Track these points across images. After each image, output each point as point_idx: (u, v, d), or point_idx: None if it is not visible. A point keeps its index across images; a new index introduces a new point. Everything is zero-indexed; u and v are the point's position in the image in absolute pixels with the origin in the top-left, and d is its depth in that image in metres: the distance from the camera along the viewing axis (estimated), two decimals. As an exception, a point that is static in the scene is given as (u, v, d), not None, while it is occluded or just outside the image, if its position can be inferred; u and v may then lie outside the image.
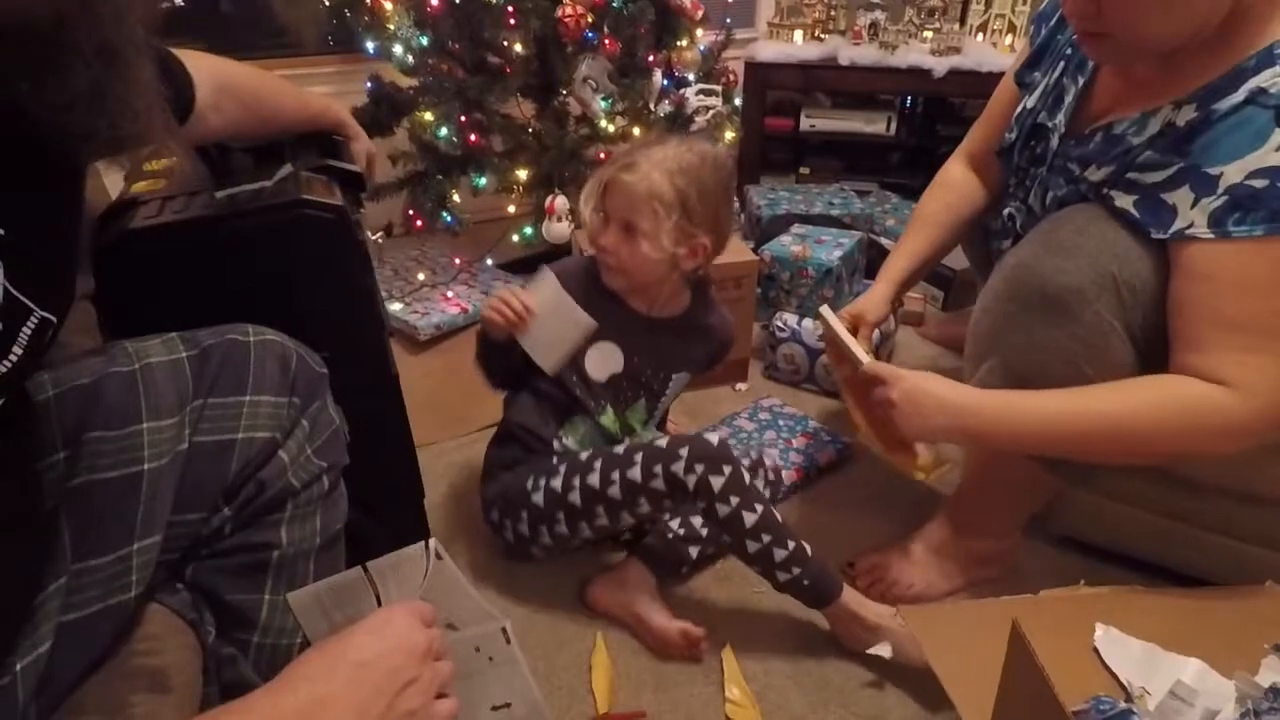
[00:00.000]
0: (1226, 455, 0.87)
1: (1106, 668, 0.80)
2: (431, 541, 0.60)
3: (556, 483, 1.06)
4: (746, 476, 1.00)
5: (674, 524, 1.12)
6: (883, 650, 0.98)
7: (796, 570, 0.99)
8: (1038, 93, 1.11)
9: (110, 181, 1.08)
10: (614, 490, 1.02)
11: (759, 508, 0.99)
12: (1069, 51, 1.07)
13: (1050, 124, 1.07)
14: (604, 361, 1.11)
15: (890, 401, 0.96)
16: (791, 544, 1.00)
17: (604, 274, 1.11)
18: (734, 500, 0.98)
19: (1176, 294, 0.87)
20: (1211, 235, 0.83)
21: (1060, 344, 0.91)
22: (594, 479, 1.03)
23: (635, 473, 1.01)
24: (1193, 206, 0.84)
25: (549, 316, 1.07)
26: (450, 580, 0.63)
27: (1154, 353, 0.92)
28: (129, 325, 0.72)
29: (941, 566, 1.13)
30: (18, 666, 0.49)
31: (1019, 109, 1.15)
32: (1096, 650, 0.82)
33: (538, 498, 1.08)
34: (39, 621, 0.51)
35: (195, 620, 0.61)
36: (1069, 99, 1.05)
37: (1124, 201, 0.89)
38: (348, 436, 1.00)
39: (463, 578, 0.64)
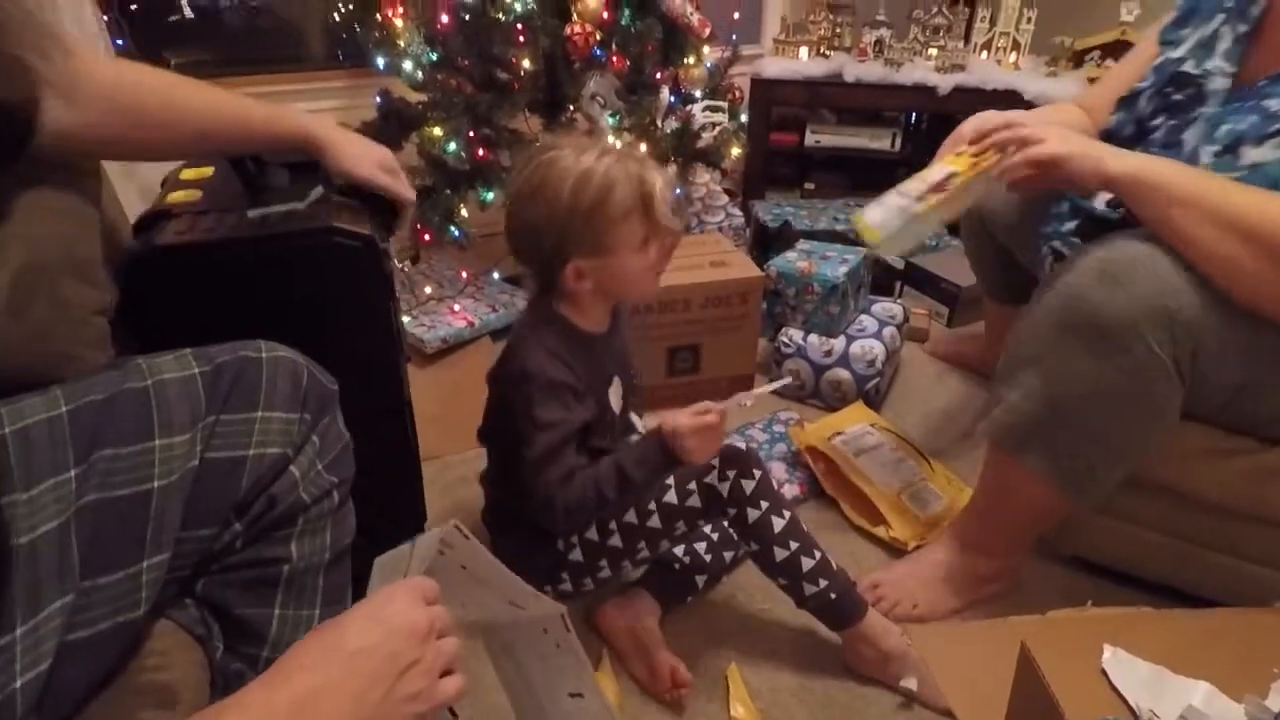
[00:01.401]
0: None
1: (1115, 690, 0.79)
2: (454, 522, 0.59)
3: (591, 533, 1.04)
4: (774, 483, 1.01)
5: (679, 551, 1.11)
6: (912, 682, 0.98)
7: (824, 583, 0.99)
8: (1186, 45, 1.07)
9: (125, 192, 1.09)
10: (654, 520, 1.01)
11: (786, 514, 1.00)
12: (1229, 4, 1.03)
13: (1198, 71, 1.03)
14: (616, 390, 1.07)
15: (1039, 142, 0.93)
16: (818, 554, 1.00)
17: (607, 308, 1.05)
18: (764, 504, 0.99)
19: None
20: None
21: (1106, 376, 0.90)
22: (631, 516, 1.02)
23: (671, 496, 1.01)
24: None
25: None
26: (487, 562, 0.62)
27: (1197, 389, 0.92)
28: (147, 340, 0.73)
29: (946, 585, 1.13)
30: (17, 684, 0.49)
31: (1159, 59, 1.11)
32: (1105, 672, 0.81)
33: (576, 555, 1.04)
34: (42, 639, 0.51)
35: (203, 635, 0.61)
36: (1226, 44, 1.01)
37: None
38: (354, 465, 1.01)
39: (495, 560, 0.63)
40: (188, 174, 1.09)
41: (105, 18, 1.81)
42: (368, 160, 0.99)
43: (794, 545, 0.99)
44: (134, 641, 0.57)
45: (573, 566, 1.05)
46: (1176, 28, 1.13)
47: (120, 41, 1.88)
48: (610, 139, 1.68)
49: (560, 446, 0.97)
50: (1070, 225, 1.17)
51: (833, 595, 0.99)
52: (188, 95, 0.83)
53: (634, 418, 1.15)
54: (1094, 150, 0.94)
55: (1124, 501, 1.03)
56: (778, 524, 0.99)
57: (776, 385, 1.03)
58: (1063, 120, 1.19)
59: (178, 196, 1.00)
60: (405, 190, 1.03)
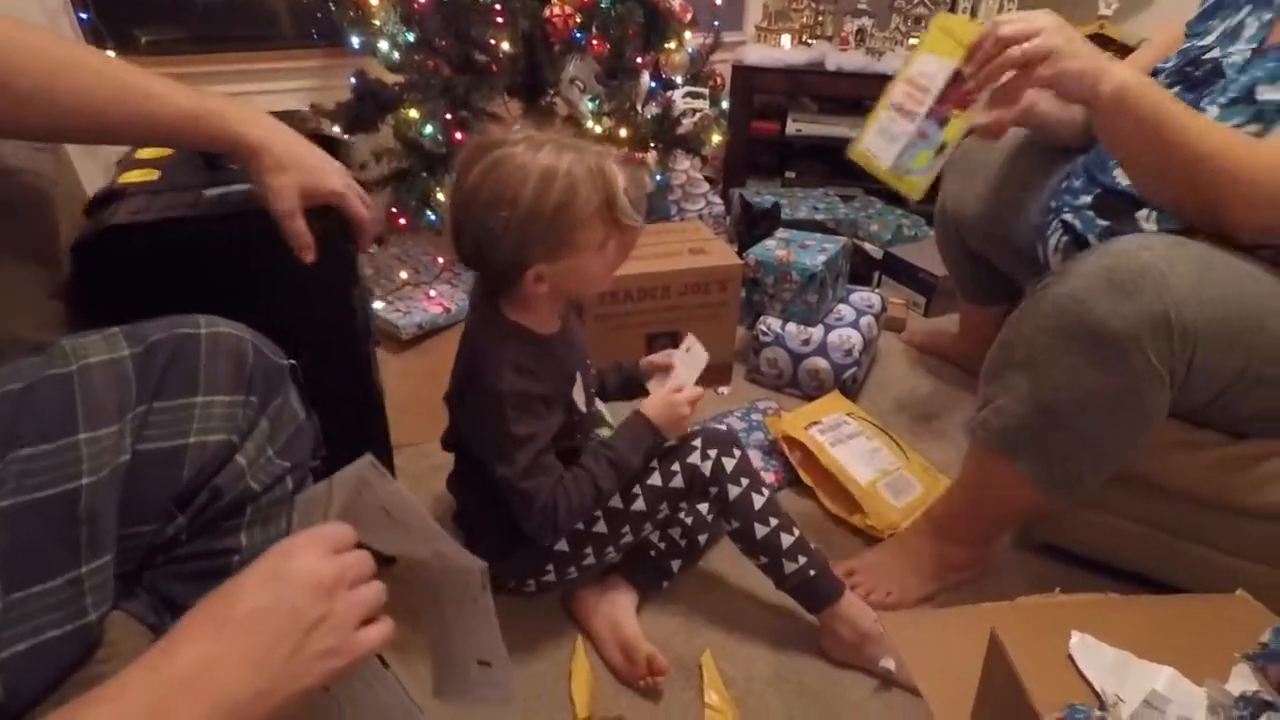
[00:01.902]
0: (1258, 220, 0.88)
1: (1082, 676, 0.81)
2: (369, 457, 0.56)
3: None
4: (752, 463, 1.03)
5: (654, 537, 1.11)
6: (890, 663, 0.99)
7: (803, 559, 1.00)
8: (1213, 35, 1.08)
9: (85, 170, 1.06)
10: (638, 504, 1.01)
11: (766, 492, 1.01)
12: None
13: (1220, 52, 1.04)
14: (581, 391, 1.03)
15: (1041, 32, 0.85)
16: (796, 531, 1.01)
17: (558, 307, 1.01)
18: (744, 482, 1.00)
19: None
20: None
21: (1102, 385, 0.90)
22: (616, 501, 1.01)
23: (655, 479, 1.01)
24: None
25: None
26: (406, 502, 0.59)
27: (1184, 393, 0.93)
28: (102, 323, 0.71)
29: (920, 571, 1.14)
30: None
31: (1185, 45, 1.12)
32: (1072, 658, 0.82)
33: (561, 545, 1.03)
34: None
35: (156, 624, 0.59)
36: (1250, 31, 1.03)
37: None
38: (323, 449, 0.98)
39: (413, 498, 0.60)
40: (145, 153, 1.06)
41: (68, -8, 1.76)
42: (320, 175, 0.85)
43: (773, 522, 1.00)
44: (90, 645, 0.54)
45: (558, 557, 1.04)
46: (1203, 19, 1.13)
47: (84, 16, 1.82)
48: (588, 123, 1.66)
49: (545, 456, 0.96)
50: (1086, 199, 1.13)
51: (811, 572, 1.00)
52: (77, 74, 0.70)
53: (600, 407, 1.14)
54: (1092, 66, 0.89)
55: (1095, 491, 1.05)
56: (757, 501, 1.00)
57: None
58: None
59: (133, 176, 0.97)
60: (361, 209, 0.91)
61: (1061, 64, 0.83)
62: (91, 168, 1.47)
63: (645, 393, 1.07)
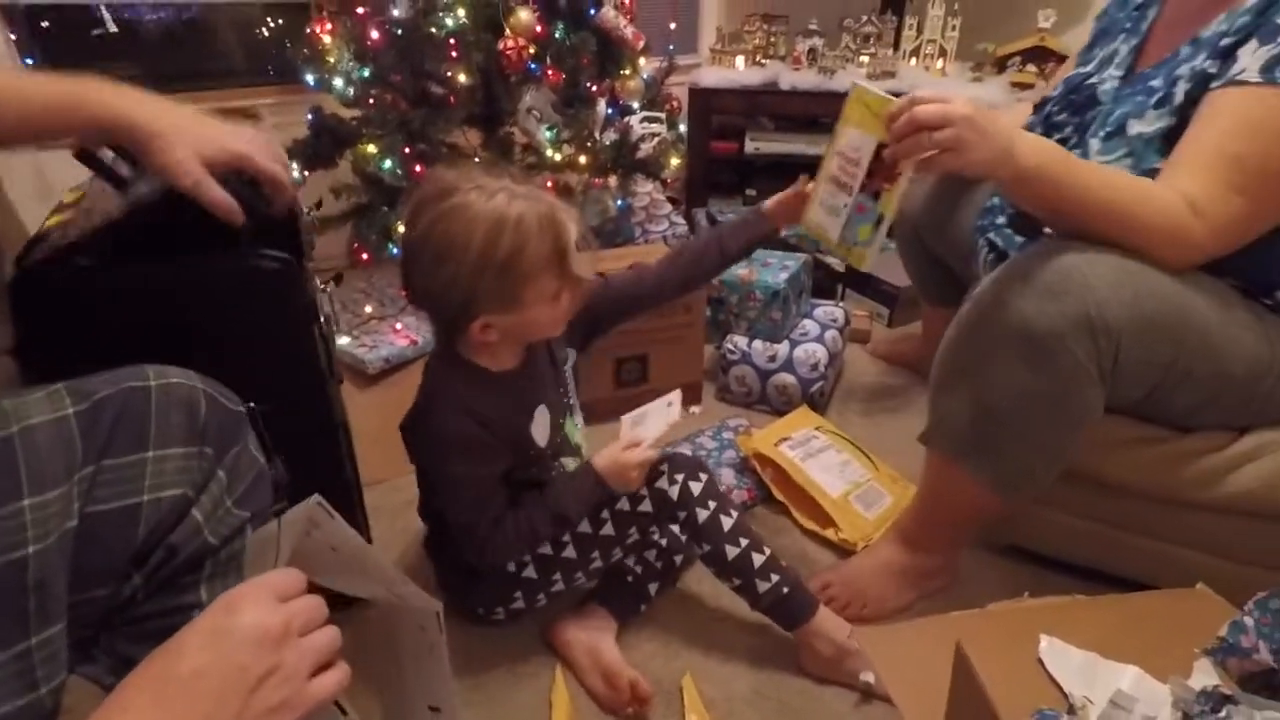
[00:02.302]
0: (1167, 265, 0.92)
1: (1051, 679, 0.82)
2: (317, 497, 0.56)
3: (545, 547, 1.03)
4: (720, 485, 1.04)
5: (630, 561, 1.11)
6: (869, 676, 0.99)
7: (775, 578, 1.00)
8: (1094, 63, 1.16)
9: (27, 210, 1.04)
10: (607, 529, 1.01)
11: (734, 513, 1.02)
12: (1128, 25, 1.13)
13: (1097, 78, 1.12)
14: (542, 423, 1.02)
15: (951, 123, 0.84)
16: (767, 550, 1.02)
17: (518, 343, 0.99)
18: (712, 504, 1.00)
19: (1191, 130, 0.93)
20: (1258, 80, 0.88)
21: (1035, 385, 0.94)
22: (585, 526, 1.02)
23: (623, 504, 1.02)
24: (1252, 55, 0.89)
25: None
26: (354, 543, 0.58)
27: (1117, 389, 0.96)
28: (55, 380, 0.69)
29: (893, 583, 1.15)
30: None
31: (1070, 73, 1.20)
32: (1041, 662, 0.84)
33: (529, 571, 1.03)
34: None
35: (113, 686, 0.57)
36: (1121, 56, 1.11)
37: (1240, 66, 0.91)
38: (289, 486, 0.97)
39: (361, 539, 0.59)
40: (68, 196, 1.05)
41: (13, 36, 1.74)
42: (218, 140, 0.78)
43: (744, 542, 1.00)
44: (44, 718, 0.52)
45: (526, 584, 1.04)
46: (1090, 48, 1.21)
47: (30, 60, 1.80)
48: (547, 152, 1.68)
49: (483, 496, 0.96)
50: (1003, 219, 1.20)
51: (785, 590, 1.01)
52: None
53: (574, 433, 1.12)
54: (996, 149, 0.89)
55: (1053, 491, 1.07)
56: (726, 523, 1.00)
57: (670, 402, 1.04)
58: (1016, 121, 1.24)
59: (54, 219, 0.95)
60: (271, 165, 0.85)
61: (965, 156, 0.85)
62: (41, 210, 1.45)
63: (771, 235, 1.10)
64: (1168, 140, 0.96)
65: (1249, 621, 0.76)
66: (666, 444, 1.09)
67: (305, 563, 0.54)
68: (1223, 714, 0.70)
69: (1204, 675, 0.77)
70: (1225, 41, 0.94)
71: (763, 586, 1.00)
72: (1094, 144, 1.05)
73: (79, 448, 0.56)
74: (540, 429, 1.02)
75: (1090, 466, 1.06)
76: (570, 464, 1.07)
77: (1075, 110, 1.14)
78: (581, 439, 1.12)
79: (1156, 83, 1.01)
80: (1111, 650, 0.84)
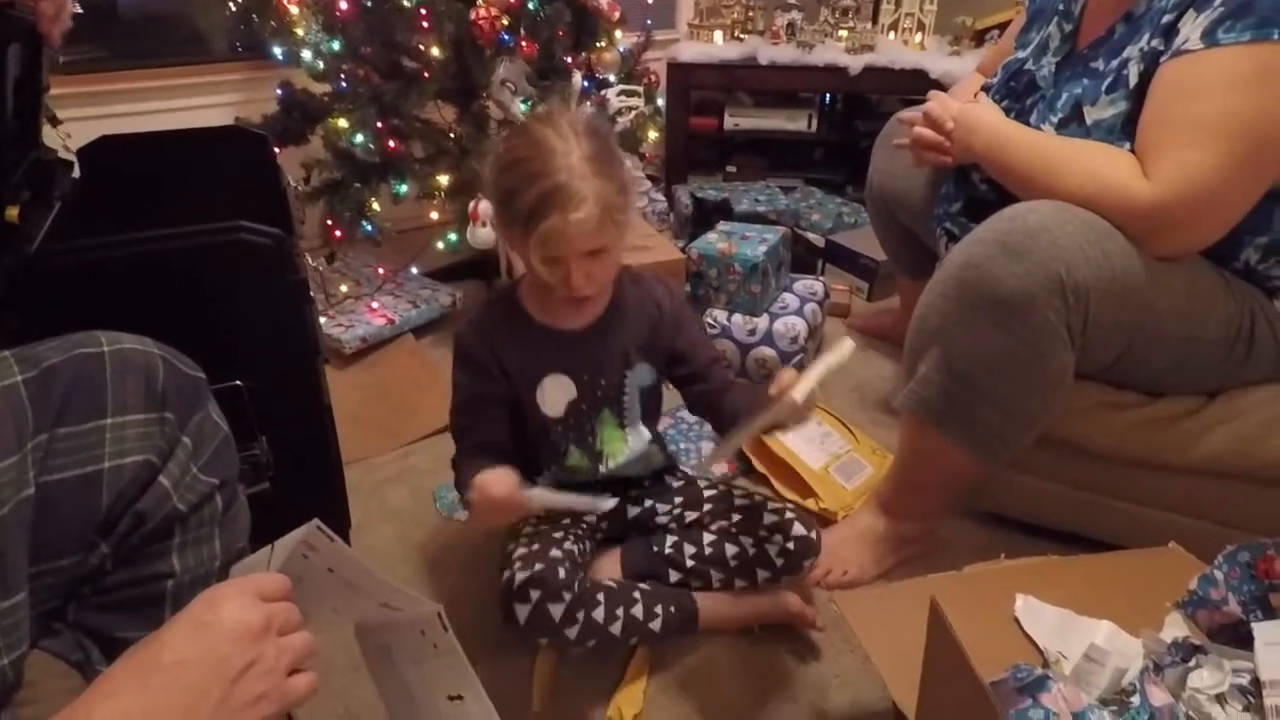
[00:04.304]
0: (1133, 237, 0.94)
1: (1027, 636, 0.83)
2: (316, 522, 0.56)
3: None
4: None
5: (668, 541, 1.08)
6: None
7: (658, 611, 1.00)
8: (1030, 48, 1.18)
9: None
10: (616, 626, 0.97)
11: (600, 599, 0.97)
12: (1060, 7, 1.14)
13: (1034, 66, 1.14)
14: (558, 393, 1.00)
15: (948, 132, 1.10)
16: (637, 594, 1.00)
17: (578, 307, 0.98)
18: (580, 619, 0.95)
19: (1146, 108, 0.94)
20: (1201, 46, 0.89)
21: (1006, 346, 0.94)
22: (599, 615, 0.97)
23: (638, 610, 0.99)
24: (1192, 24, 0.90)
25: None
26: (354, 564, 0.59)
27: (1088, 353, 0.97)
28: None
29: (873, 550, 1.16)
30: None
31: (1009, 59, 1.22)
32: (1017, 620, 0.85)
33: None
34: None
35: (80, 660, 0.56)
36: (1056, 42, 1.13)
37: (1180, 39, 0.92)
38: (272, 468, 0.96)
39: (363, 561, 0.60)
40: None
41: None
42: None
43: (619, 614, 0.97)
44: (4, 690, 0.52)
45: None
46: (1026, 32, 1.22)
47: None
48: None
49: (466, 407, 1.00)
50: (957, 206, 1.22)
51: (672, 609, 1.01)
52: None
53: (615, 436, 1.06)
54: (963, 133, 1.10)
55: (1029, 457, 1.08)
56: (600, 614, 0.95)
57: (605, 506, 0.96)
58: (973, 86, 1.31)
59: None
60: None
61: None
62: None
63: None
64: (1131, 124, 0.97)
65: (1218, 574, 0.77)
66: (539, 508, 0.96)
67: (296, 583, 0.54)
68: (1193, 664, 0.71)
69: (1175, 628, 0.79)
70: (1166, 18, 0.94)
71: (656, 625, 0.99)
72: (1047, 129, 1.06)
73: (29, 416, 0.55)
74: (551, 397, 1.00)
75: (1064, 432, 1.07)
76: (575, 454, 1.04)
77: (1016, 97, 1.16)
78: (626, 454, 1.06)
79: (1098, 64, 1.02)
80: (1085, 607, 0.85)
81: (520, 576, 0.93)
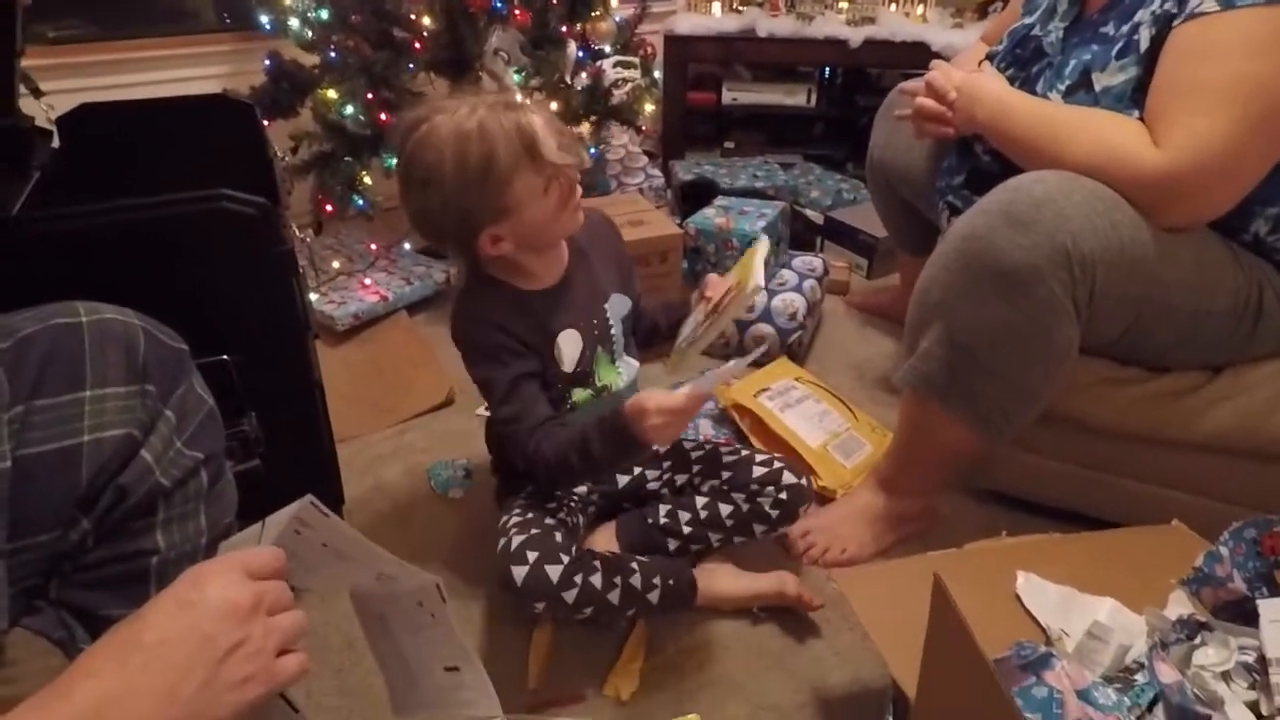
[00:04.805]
0: (1143, 207, 0.92)
1: (1029, 614, 0.82)
2: (309, 498, 0.55)
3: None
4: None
5: (662, 511, 1.07)
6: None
7: (656, 582, 1.00)
8: (1037, 14, 1.14)
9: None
10: (614, 594, 0.97)
11: (617, 583, 0.97)
12: None
13: (1041, 32, 1.11)
14: (571, 348, 1.00)
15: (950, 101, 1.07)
16: (635, 565, 1.00)
17: (553, 260, 0.99)
18: (588, 611, 0.96)
19: (1158, 73, 0.92)
20: (1216, 8, 0.87)
21: (1010, 320, 0.92)
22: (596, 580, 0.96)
23: (635, 580, 0.98)
24: None
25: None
26: (349, 537, 0.58)
27: (1093, 327, 0.95)
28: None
29: (872, 527, 1.15)
30: None
31: (1015, 25, 1.18)
32: (1019, 597, 0.84)
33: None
34: None
35: (64, 638, 0.55)
36: (1064, 7, 1.09)
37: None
38: (262, 444, 0.94)
39: (359, 534, 0.59)
40: None
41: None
42: None
43: (617, 582, 0.96)
44: None
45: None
46: None
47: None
48: (516, 97, 1.62)
49: (511, 394, 0.96)
50: (960, 178, 1.20)
51: (671, 582, 1.00)
52: None
53: (613, 371, 1.06)
54: (966, 103, 1.07)
55: (1030, 434, 1.07)
56: (597, 580, 0.95)
57: (753, 356, 1.00)
58: (977, 56, 1.27)
59: None
60: None
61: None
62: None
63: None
64: (1141, 91, 0.94)
65: (1224, 551, 0.76)
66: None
67: (291, 561, 0.53)
68: (1198, 641, 0.70)
69: (1179, 605, 0.78)
70: None
71: (654, 596, 0.99)
72: (1054, 98, 1.03)
73: (5, 387, 0.53)
74: (567, 354, 1.00)
75: (1067, 408, 1.06)
76: (579, 394, 1.03)
77: (1022, 65, 1.13)
78: (623, 384, 1.07)
79: (1108, 29, 0.99)
80: (1088, 585, 0.84)
81: (517, 539, 0.95)
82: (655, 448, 1.11)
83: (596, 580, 0.95)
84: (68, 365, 0.56)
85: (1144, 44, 0.94)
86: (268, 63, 1.70)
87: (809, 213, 2.09)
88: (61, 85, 1.56)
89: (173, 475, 0.60)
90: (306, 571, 0.54)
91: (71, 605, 0.58)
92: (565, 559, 0.94)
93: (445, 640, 0.68)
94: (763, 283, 0.89)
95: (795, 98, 2.45)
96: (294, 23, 1.58)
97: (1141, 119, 0.93)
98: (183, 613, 0.45)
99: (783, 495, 1.05)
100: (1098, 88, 0.98)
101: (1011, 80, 1.12)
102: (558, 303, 1.00)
